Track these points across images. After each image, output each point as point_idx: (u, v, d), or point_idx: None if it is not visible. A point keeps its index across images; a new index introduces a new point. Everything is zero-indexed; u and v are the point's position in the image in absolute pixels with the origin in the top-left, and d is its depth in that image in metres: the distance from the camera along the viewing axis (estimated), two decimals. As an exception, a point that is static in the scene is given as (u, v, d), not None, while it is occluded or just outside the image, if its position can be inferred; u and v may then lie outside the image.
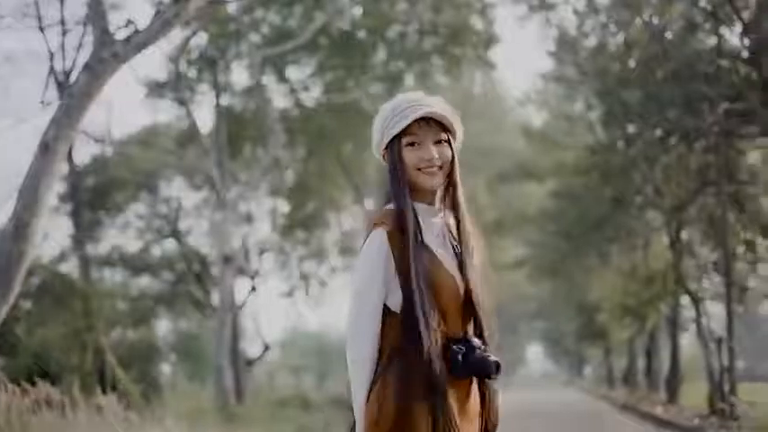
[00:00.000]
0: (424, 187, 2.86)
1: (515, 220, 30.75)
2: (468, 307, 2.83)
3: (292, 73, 22.96)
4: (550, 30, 22.58)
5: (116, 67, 9.38)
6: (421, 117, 2.85)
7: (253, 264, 25.31)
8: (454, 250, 2.90)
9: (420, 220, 2.84)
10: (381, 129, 2.91)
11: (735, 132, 17.35)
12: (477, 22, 22.94)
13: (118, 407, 9.81)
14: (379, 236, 2.80)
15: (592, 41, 21.90)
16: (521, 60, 68.91)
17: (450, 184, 2.92)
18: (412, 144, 2.85)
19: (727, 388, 16.98)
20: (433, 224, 2.89)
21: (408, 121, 2.84)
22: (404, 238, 2.77)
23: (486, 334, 2.85)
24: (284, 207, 26.33)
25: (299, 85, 23.14)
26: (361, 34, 22.21)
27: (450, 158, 2.88)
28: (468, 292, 2.83)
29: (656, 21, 19.41)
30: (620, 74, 19.73)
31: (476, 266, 2.90)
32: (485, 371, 2.78)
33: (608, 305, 26.31)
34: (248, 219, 25.64)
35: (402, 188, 2.84)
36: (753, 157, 18.63)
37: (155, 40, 9.59)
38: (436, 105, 2.92)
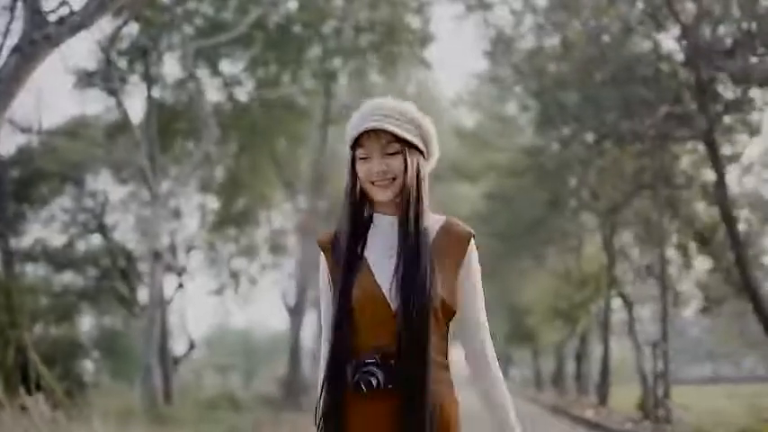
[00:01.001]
0: (376, 200, 2.81)
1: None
2: (398, 319, 2.68)
3: (226, 67, 22.57)
4: (487, 30, 22.48)
5: (48, 51, 8.95)
6: (370, 129, 2.77)
7: (180, 260, 24.86)
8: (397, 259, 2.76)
9: (373, 230, 2.83)
10: (347, 138, 2.86)
11: (670, 136, 17.43)
12: (413, 21, 22.78)
13: (45, 406, 9.35)
14: (321, 258, 2.88)
15: (528, 42, 21.85)
16: (455, 60, 68.87)
17: (402, 194, 2.79)
18: (364, 158, 2.79)
19: (660, 392, 17.05)
20: (388, 233, 2.81)
21: (355, 134, 2.79)
22: (335, 254, 2.83)
23: (405, 347, 2.66)
24: (214, 203, 25.88)
25: (233, 80, 22.71)
26: (297, 29, 21.85)
27: (402, 170, 2.76)
28: (401, 303, 2.68)
29: (593, 23, 19.43)
30: (557, 75, 19.70)
31: (419, 275, 2.70)
32: (357, 388, 2.67)
33: (540, 308, 26.38)
34: (176, 215, 25.17)
35: (349, 200, 2.83)
36: (687, 160, 18.77)
37: (90, 22, 9.15)
38: (388, 117, 2.79)
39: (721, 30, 17.44)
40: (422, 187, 2.81)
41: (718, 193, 16.37)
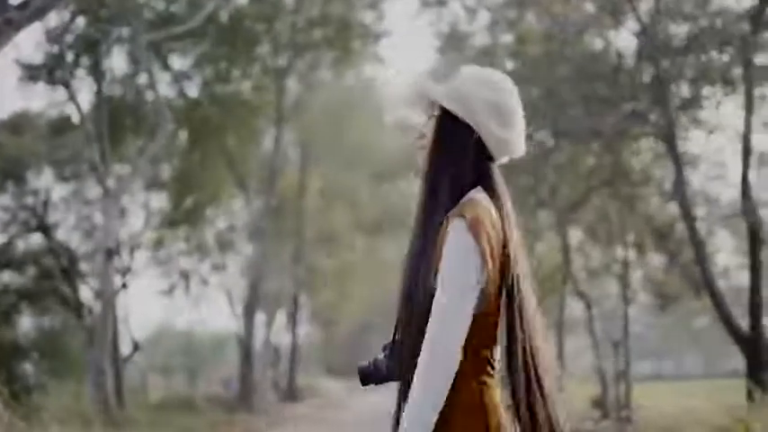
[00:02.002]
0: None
1: (396, 219, 30.47)
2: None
3: (176, 62, 22.10)
4: (440, 26, 22.31)
5: (10, 35, 8.52)
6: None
7: (124, 260, 24.30)
8: None
9: None
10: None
11: (629, 133, 17.42)
12: (366, 16, 22.57)
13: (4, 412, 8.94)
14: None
15: (482, 39, 21.73)
16: (406, 56, 68.79)
17: None
18: None
19: (614, 390, 17.02)
20: None
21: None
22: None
23: (398, 336, 2.54)
24: (161, 201, 25.35)
25: (183, 75, 22.25)
26: (248, 23, 21.47)
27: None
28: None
29: (549, 20, 19.37)
30: (512, 73, 19.57)
31: (424, 255, 2.49)
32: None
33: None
34: (122, 212, 24.59)
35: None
36: (645, 158, 18.79)
37: (52, 6, 8.75)
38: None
39: (675, 27, 17.52)
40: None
41: (677, 190, 16.39)
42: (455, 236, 2.42)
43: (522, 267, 2.56)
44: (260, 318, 24.95)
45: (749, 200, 14.97)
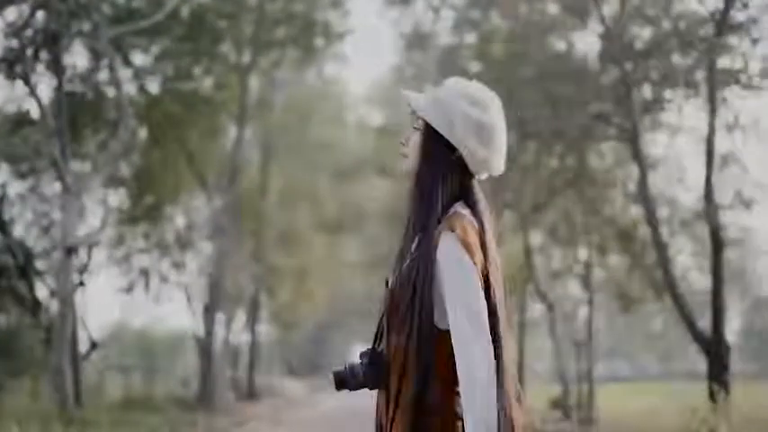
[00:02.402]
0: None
1: (356, 219, 30.43)
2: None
3: (137, 58, 21.81)
4: (404, 26, 22.26)
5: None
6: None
7: (82, 257, 23.95)
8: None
9: None
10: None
11: (593, 135, 17.48)
12: (330, 14, 22.46)
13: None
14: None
15: (446, 39, 21.73)
16: (368, 55, 68.77)
17: None
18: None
19: (575, 391, 17.05)
20: None
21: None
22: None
23: (378, 344, 2.61)
24: (120, 198, 25.01)
25: (144, 71, 21.97)
26: (211, 20, 21.25)
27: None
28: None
29: (513, 21, 19.39)
30: (478, 74, 19.58)
31: (416, 262, 2.50)
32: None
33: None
34: (79, 210, 24.23)
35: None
36: (609, 160, 18.88)
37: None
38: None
39: (639, 30, 17.63)
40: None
41: (641, 192, 16.48)
42: (451, 251, 2.46)
43: (500, 290, 2.54)
44: (219, 316, 24.72)
45: (712, 202, 15.08)
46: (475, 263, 2.44)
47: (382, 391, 2.57)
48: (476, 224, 2.53)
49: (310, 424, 21.71)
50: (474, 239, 2.48)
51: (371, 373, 2.57)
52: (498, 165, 2.62)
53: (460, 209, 2.54)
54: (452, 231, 2.45)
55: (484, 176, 2.65)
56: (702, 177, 15.22)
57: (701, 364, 15.49)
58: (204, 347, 24.01)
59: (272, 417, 23.19)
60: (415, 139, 2.62)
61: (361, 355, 2.63)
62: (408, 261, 2.52)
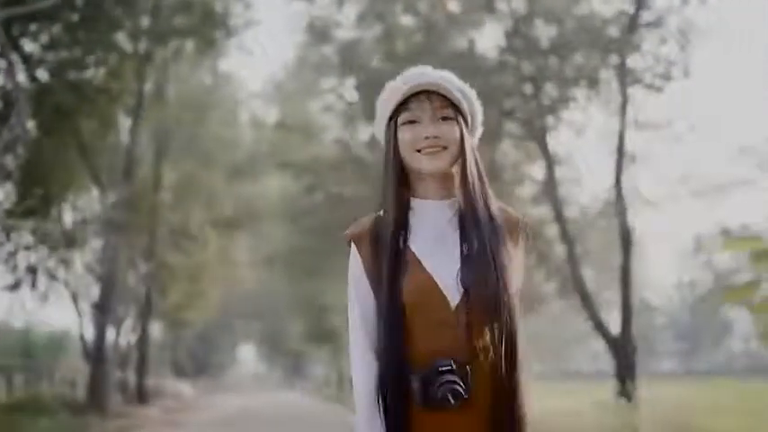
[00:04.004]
0: (425, 172, 2.48)
1: (251, 217, 29.99)
2: (469, 316, 2.36)
3: (27, 44, 20.79)
4: (305, 19, 21.83)
5: None
6: (420, 91, 2.47)
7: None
8: (462, 248, 2.46)
9: (415, 217, 2.50)
10: (379, 110, 2.58)
11: (500, 131, 17.42)
12: (232, 5, 21.90)
13: None
14: (352, 254, 2.55)
15: (348, 33, 21.42)
16: (263, 50, 67.89)
17: (461, 170, 2.50)
18: (411, 122, 2.49)
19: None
20: (436, 220, 2.50)
21: (401, 96, 2.48)
22: (377, 246, 2.49)
23: (482, 351, 2.37)
24: (8, 192, 23.89)
25: (34, 58, 20.97)
26: (107, 7, 20.40)
27: (457, 139, 2.48)
28: (466, 297, 2.37)
29: (416, 16, 19.22)
30: (380, 69, 19.30)
31: (498, 265, 2.41)
32: (440, 402, 2.31)
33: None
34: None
35: (392, 178, 2.49)
36: (517, 157, 18.87)
37: None
38: (441, 78, 2.53)
39: (544, 28, 17.63)
40: (480, 164, 2.54)
41: (549, 190, 16.45)
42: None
43: None
44: (108, 316, 23.75)
45: (622, 200, 15.12)
46: None
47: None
48: None
49: (203, 426, 21.23)
50: None
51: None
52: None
53: None
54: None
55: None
56: (608, 176, 15.28)
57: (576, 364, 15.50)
58: (92, 348, 23.07)
59: (165, 420, 22.62)
60: (454, 130, 2.49)
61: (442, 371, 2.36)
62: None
